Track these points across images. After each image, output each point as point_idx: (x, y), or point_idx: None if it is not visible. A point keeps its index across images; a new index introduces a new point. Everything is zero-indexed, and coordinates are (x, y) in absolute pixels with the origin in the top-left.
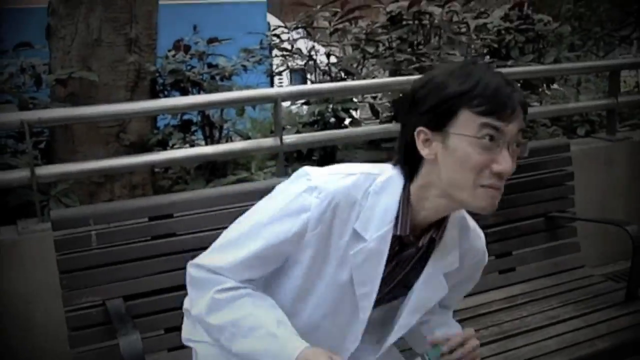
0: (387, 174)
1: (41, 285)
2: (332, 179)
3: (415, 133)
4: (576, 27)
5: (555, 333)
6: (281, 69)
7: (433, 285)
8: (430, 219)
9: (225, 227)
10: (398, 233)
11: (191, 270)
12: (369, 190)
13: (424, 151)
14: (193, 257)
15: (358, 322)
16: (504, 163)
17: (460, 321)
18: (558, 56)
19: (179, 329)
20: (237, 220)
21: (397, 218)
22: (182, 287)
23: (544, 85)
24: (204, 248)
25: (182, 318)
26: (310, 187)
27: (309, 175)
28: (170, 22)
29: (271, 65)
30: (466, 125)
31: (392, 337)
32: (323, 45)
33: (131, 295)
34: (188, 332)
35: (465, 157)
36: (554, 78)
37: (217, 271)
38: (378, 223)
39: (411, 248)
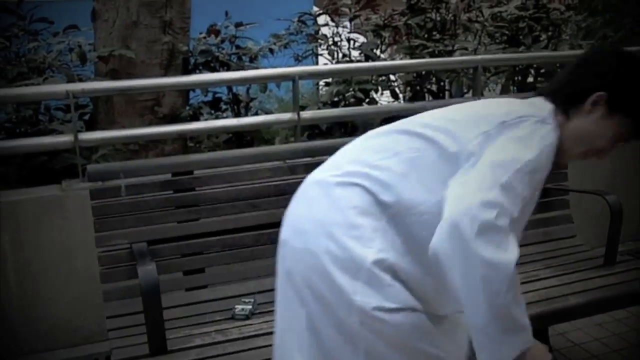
0: (542, 113)
1: (81, 236)
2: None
3: (596, 95)
4: (608, 19)
5: (532, 289)
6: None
7: None
8: None
9: (240, 185)
10: None
11: (499, 221)
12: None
13: (587, 108)
14: (210, 210)
15: None
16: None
17: None
18: (572, 43)
19: (196, 272)
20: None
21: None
22: (200, 236)
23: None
24: (221, 201)
25: (202, 261)
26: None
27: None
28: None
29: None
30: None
31: None
32: (349, 32)
33: (154, 240)
34: (380, 299)
35: (617, 135)
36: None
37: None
38: None
39: None
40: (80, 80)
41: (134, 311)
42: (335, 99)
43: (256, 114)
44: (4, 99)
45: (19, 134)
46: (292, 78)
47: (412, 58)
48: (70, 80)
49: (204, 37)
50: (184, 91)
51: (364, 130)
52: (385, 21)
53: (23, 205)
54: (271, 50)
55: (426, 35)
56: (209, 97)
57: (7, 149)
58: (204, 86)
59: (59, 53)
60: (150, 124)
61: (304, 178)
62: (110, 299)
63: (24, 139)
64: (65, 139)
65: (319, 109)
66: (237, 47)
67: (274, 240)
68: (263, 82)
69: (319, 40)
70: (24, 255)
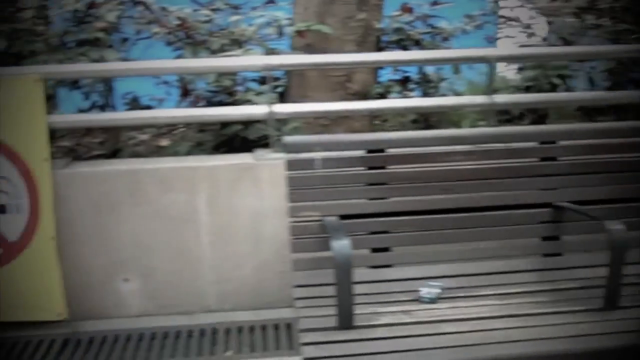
0: None
1: (271, 205)
2: None
3: None
4: None
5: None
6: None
7: None
8: None
9: (433, 166)
10: None
11: None
12: None
13: None
14: (401, 189)
15: None
16: None
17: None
18: None
19: (382, 250)
20: None
21: None
22: (389, 214)
23: None
24: (413, 181)
25: (389, 240)
26: None
27: None
28: None
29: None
30: None
31: None
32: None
33: (346, 215)
34: None
35: None
36: None
37: None
38: None
39: None
40: (275, 53)
41: (321, 283)
42: (528, 84)
43: (443, 95)
44: (208, 69)
45: (217, 103)
46: (488, 60)
47: (616, 43)
48: (268, 53)
49: (398, 15)
50: (374, 68)
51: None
52: (589, 3)
53: (219, 171)
54: (464, 31)
55: (634, 20)
56: (398, 76)
57: (207, 117)
58: (398, 64)
59: (259, 27)
60: (341, 99)
61: (498, 164)
62: (299, 268)
63: (223, 108)
64: (260, 110)
65: (511, 93)
66: (430, 26)
67: (464, 225)
68: (456, 63)
69: (513, 22)
70: (218, 218)
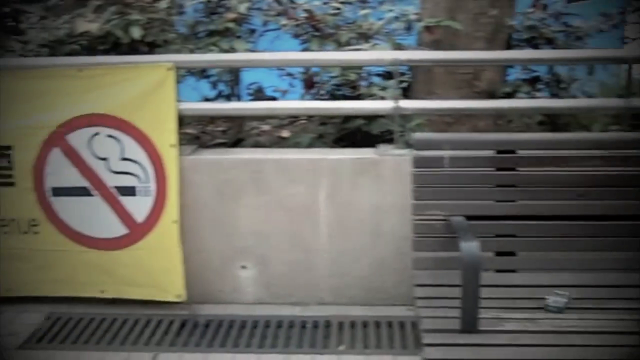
0: None
1: (392, 201)
2: None
3: None
4: None
5: None
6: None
7: None
8: None
9: (566, 171)
10: None
11: None
12: None
13: None
14: (530, 193)
15: None
16: None
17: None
18: None
19: (507, 254)
20: None
21: None
22: (518, 218)
23: None
24: (544, 185)
25: (515, 244)
26: None
27: None
28: None
29: None
30: None
31: None
32: None
33: (472, 216)
34: None
35: None
36: None
37: None
38: None
39: None
40: (402, 48)
41: (444, 283)
42: None
43: (573, 96)
44: (335, 63)
45: (340, 96)
46: (626, 61)
47: None
48: (395, 48)
49: (531, 12)
50: (502, 66)
51: None
52: None
53: (341, 164)
54: (600, 30)
55: None
56: (527, 75)
57: (332, 110)
58: (529, 63)
59: (387, 21)
60: (466, 97)
61: (637, 171)
62: (420, 267)
63: (348, 102)
64: (386, 105)
65: None
66: (564, 24)
67: (595, 234)
68: (592, 63)
69: None
70: (337, 211)
